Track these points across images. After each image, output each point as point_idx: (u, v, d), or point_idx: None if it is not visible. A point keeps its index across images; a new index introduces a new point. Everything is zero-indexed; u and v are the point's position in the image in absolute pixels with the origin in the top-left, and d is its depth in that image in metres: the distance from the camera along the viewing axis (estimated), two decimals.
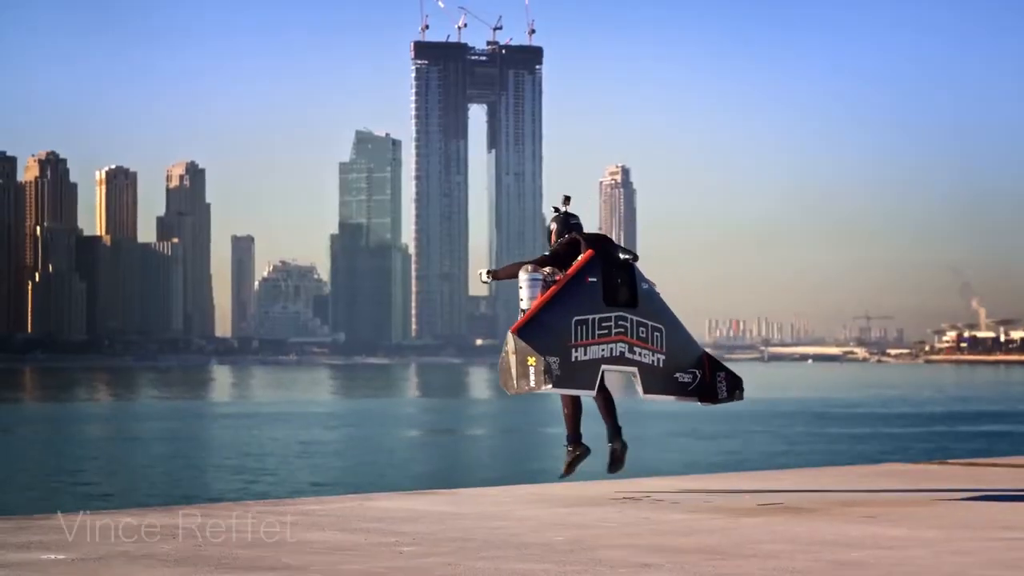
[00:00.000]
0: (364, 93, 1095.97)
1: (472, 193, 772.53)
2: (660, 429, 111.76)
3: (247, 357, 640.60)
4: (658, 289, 13.69)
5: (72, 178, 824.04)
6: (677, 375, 13.68)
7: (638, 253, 13.56)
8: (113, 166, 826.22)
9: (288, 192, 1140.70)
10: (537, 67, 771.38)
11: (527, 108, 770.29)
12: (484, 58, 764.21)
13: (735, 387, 14.41)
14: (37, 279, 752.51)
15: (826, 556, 13.14)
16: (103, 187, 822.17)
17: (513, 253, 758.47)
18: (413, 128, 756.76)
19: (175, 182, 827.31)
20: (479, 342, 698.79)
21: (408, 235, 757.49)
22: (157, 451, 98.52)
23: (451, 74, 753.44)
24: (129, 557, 19.04)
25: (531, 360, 12.43)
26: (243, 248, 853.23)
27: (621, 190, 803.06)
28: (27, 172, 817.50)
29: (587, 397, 13.73)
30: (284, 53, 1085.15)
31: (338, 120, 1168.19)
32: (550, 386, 12.66)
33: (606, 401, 13.96)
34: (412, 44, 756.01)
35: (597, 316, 12.83)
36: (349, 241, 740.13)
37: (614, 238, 14.05)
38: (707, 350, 14.38)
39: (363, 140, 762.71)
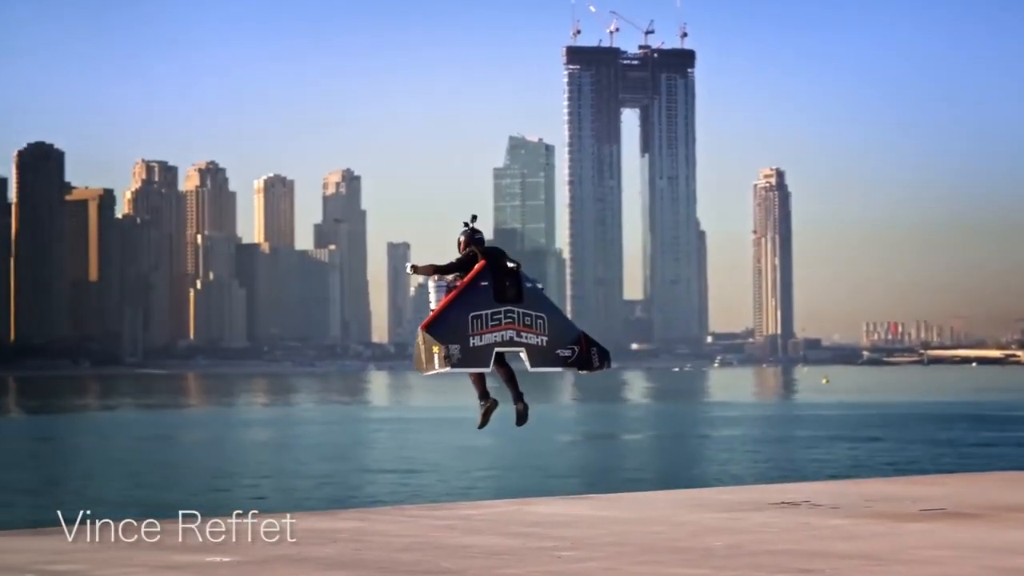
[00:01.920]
0: (517, 98, 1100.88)
1: (625, 197, 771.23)
2: (812, 433, 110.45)
3: (404, 362, 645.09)
4: (540, 286, 17.46)
5: (231, 187, 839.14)
6: (559, 351, 16.93)
7: (520, 262, 17.70)
8: (271, 174, 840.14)
9: (443, 198, 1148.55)
10: (689, 70, 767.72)
11: (680, 111, 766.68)
12: (636, 62, 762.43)
13: (604, 358, 17.39)
14: (198, 286, 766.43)
15: (990, 563, 12.86)
16: (261, 195, 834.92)
17: (668, 257, 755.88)
18: (566, 133, 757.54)
19: (331, 189, 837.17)
20: (635, 346, 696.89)
21: (562, 240, 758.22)
22: (315, 455, 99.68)
23: (603, 78, 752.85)
24: (290, 560, 19.36)
25: (435, 348, 16.16)
26: (399, 254, 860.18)
27: (776, 192, 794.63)
28: (187, 181, 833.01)
29: (485, 371, 17.06)
30: (438, 61, 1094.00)
31: (492, 126, 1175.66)
32: (449, 367, 16.35)
33: (507, 373, 17.24)
34: (564, 49, 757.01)
35: (489, 311, 16.41)
36: (503, 246, 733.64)
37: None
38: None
39: (516, 145, 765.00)
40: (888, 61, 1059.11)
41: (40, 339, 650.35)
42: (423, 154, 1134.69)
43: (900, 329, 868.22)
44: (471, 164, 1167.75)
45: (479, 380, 17.31)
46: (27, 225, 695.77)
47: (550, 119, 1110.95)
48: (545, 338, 16.77)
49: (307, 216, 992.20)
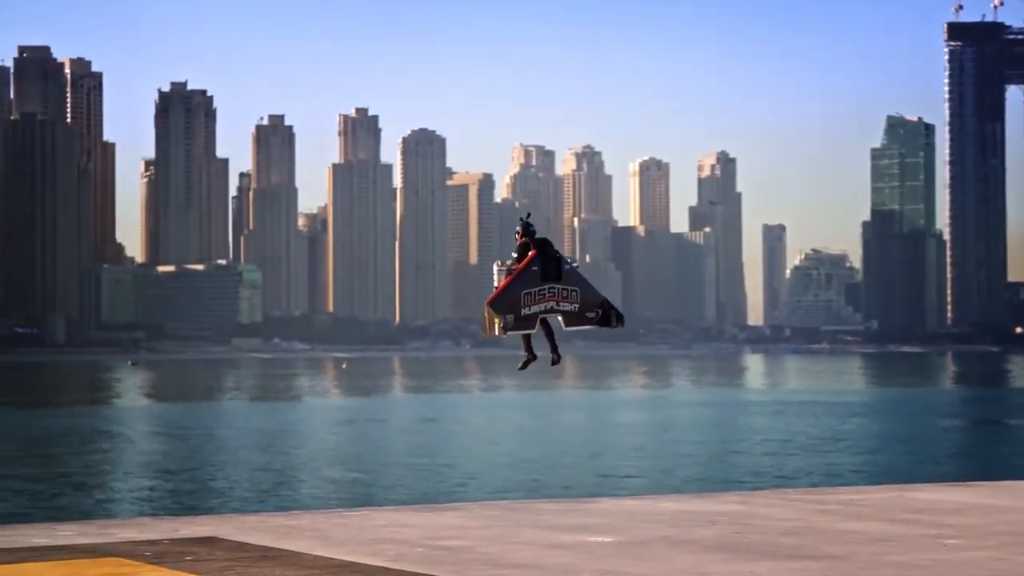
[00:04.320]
0: (895, 78, 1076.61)
1: (1009, 176, 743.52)
2: None
3: (779, 345, 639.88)
4: (577, 266, 22.39)
5: (607, 170, 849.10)
6: (587, 314, 22.06)
7: (560, 253, 22.33)
8: (646, 157, 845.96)
9: (818, 179, 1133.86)
10: None
11: None
12: (1022, 36, 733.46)
13: (620, 319, 22.43)
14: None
15: None
16: (637, 178, 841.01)
17: None
18: (946, 112, 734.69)
19: (707, 172, 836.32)
20: (1019, 330, 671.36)
21: (942, 221, 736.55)
22: (693, 437, 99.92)
23: (987, 55, 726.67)
24: (670, 542, 19.48)
25: (496, 320, 21.30)
26: (774, 237, 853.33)
27: None
28: (564, 165, 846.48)
29: (532, 332, 21.98)
30: (815, 43, 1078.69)
31: (869, 106, 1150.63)
32: (505, 334, 21.55)
33: (548, 332, 22.21)
34: (945, 26, 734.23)
35: (536, 288, 21.57)
36: (881, 228, 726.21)
37: None
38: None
39: (894, 125, 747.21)
40: None
41: (423, 320, 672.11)
42: (799, 135, 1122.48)
43: None
44: (848, 145, 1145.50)
45: (526, 338, 22.20)
46: (410, 209, 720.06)
47: (930, 98, 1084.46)
48: (577, 305, 21.93)
49: (682, 199, 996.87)
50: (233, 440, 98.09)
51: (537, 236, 22.27)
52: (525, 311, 21.50)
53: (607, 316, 22.22)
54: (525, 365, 22.73)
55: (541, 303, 21.61)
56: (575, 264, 22.57)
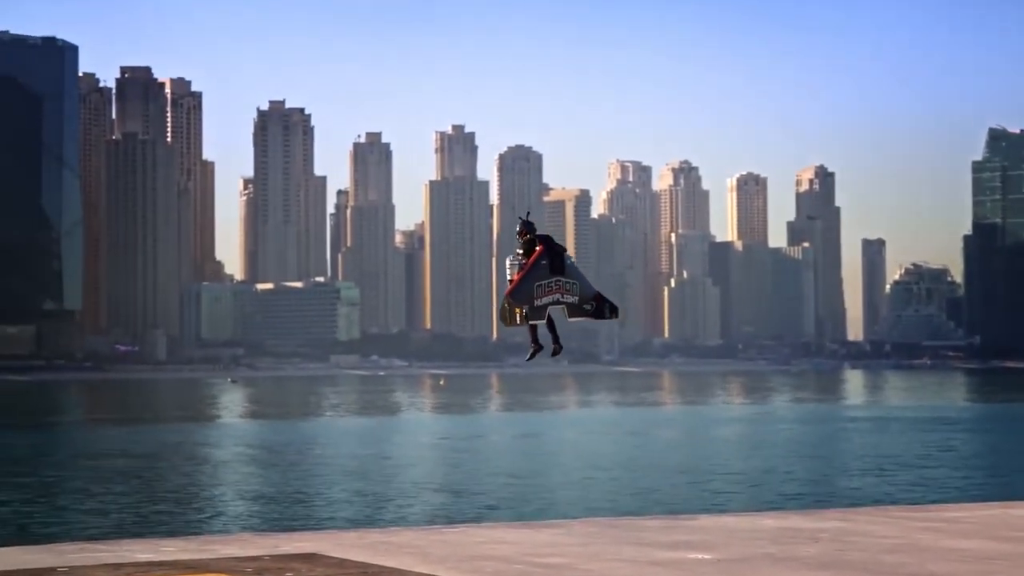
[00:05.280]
0: (996, 90, 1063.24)
1: None
2: None
3: (879, 361, 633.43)
4: (573, 261, 23.73)
5: (704, 185, 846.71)
6: (584, 306, 23.55)
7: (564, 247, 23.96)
8: (744, 172, 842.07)
9: (919, 193, 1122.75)
10: None
11: None
12: None
13: (614, 311, 23.88)
14: (672, 285, 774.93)
15: None
16: (734, 193, 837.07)
17: None
18: None
19: (805, 186, 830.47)
20: None
21: None
22: (793, 453, 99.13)
23: None
24: (772, 559, 19.32)
25: (517, 310, 23.03)
26: (874, 251, 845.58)
27: None
28: (661, 180, 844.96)
29: (541, 322, 23.61)
30: (912, 55, 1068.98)
31: (970, 118, 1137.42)
32: (524, 323, 23.02)
33: (549, 323, 23.67)
34: None
35: (545, 281, 23.19)
36: (983, 241, 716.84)
37: None
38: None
39: (996, 138, 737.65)
40: None
41: (521, 336, 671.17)
42: (898, 148, 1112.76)
43: None
44: (948, 158, 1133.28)
45: (532, 329, 23.73)
46: (507, 226, 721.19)
47: None
48: (577, 298, 23.47)
49: (780, 213, 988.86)
50: (331, 457, 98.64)
51: (539, 233, 23.95)
52: (537, 302, 23.27)
53: (600, 308, 23.91)
54: (533, 355, 24.63)
55: (549, 295, 23.33)
56: (572, 260, 24.32)
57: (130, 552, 19.52)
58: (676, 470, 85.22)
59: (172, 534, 49.89)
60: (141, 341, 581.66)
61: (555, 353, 24.39)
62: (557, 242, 23.92)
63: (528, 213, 25.28)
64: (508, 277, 23.87)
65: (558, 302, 23.49)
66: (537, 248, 23.57)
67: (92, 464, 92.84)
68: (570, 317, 23.83)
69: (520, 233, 23.80)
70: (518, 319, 23.23)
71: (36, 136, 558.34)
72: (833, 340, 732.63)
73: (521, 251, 23.70)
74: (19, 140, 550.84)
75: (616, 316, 24.18)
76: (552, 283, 23.31)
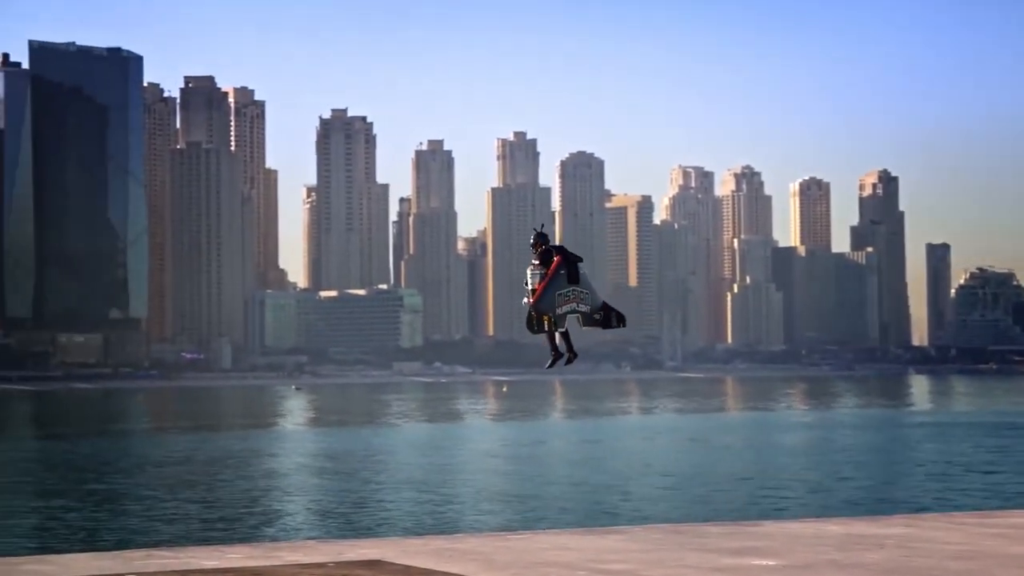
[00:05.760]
0: None
1: None
2: None
3: (944, 366, 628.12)
4: (584, 272, 24.61)
5: (766, 191, 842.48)
6: (595, 316, 24.36)
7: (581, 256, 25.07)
8: (807, 177, 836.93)
9: (984, 197, 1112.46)
10: None
11: None
12: None
13: (621, 319, 24.77)
14: (735, 290, 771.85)
15: None
16: (797, 198, 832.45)
17: None
18: None
19: (868, 191, 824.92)
20: None
21: None
22: (857, 459, 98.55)
23: None
24: (837, 566, 19.25)
25: (545, 317, 24.03)
26: (938, 256, 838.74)
27: None
28: (723, 186, 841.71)
29: (562, 331, 24.64)
30: (985, 53, 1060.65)
31: None
32: (551, 330, 24.08)
33: (564, 331, 24.64)
34: None
35: (564, 290, 24.12)
36: None
37: None
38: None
39: None
40: None
41: (582, 343, 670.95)
42: (962, 152, 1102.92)
43: None
44: (1012, 161, 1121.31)
45: (551, 337, 24.67)
46: (569, 232, 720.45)
47: None
48: (589, 307, 24.36)
49: (843, 218, 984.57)
50: (396, 463, 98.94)
51: (554, 244, 24.99)
52: (559, 310, 24.32)
53: (607, 317, 24.84)
54: (553, 363, 25.27)
55: (568, 303, 24.36)
56: (583, 270, 25.39)
57: (196, 559, 19.71)
58: (739, 476, 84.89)
59: (237, 541, 50.24)
60: (206, 349, 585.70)
61: (569, 361, 25.22)
62: (572, 252, 24.86)
63: (542, 225, 26.76)
64: (530, 287, 24.73)
65: (574, 311, 24.52)
66: (555, 258, 24.55)
67: (158, 471, 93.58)
68: (584, 325, 24.87)
69: (535, 245, 24.85)
70: (545, 326, 24.38)
71: (102, 146, 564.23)
72: (897, 345, 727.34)
73: (538, 261, 24.63)
74: (85, 150, 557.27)
75: (623, 324, 25.18)
76: (570, 292, 24.29)
